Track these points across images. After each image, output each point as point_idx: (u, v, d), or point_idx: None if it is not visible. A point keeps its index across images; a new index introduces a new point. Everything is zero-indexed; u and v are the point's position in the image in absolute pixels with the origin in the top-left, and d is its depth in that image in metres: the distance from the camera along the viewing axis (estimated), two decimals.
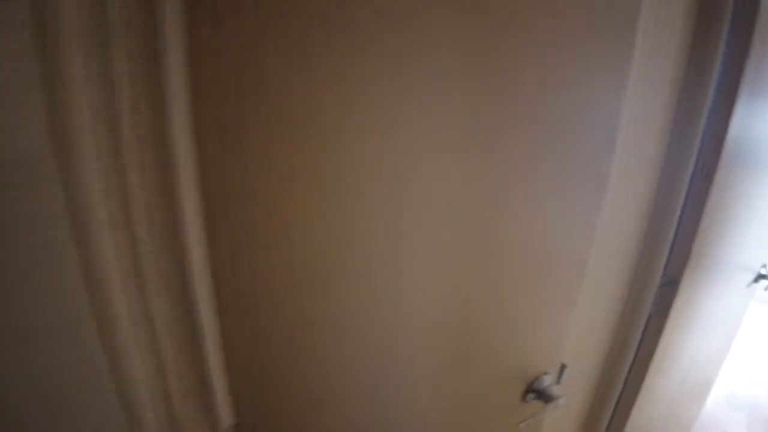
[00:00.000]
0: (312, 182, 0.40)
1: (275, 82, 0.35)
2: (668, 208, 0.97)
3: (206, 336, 0.42)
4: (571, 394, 1.05)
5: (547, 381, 0.85)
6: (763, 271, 1.47)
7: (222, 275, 0.41)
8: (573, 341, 0.96)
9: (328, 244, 0.43)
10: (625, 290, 1.01)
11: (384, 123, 0.42)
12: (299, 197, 0.40)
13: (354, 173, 0.42)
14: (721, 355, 1.59)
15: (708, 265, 1.10)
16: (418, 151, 0.45)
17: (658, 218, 0.97)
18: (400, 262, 0.49)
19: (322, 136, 0.39)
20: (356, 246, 0.45)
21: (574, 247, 0.72)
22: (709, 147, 0.94)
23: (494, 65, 0.48)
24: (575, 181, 0.66)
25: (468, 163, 0.50)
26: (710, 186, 0.96)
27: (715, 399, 2.41)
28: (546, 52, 0.52)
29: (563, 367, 0.86)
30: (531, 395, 0.83)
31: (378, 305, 0.50)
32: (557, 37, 0.52)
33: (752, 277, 1.45)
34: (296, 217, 0.41)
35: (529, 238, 0.64)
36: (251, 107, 0.35)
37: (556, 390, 0.85)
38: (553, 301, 0.76)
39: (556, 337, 0.84)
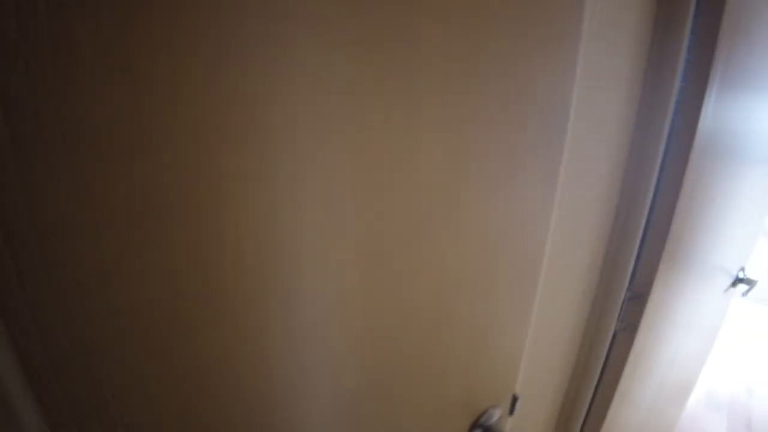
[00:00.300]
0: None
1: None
2: (633, 212, 0.87)
3: None
4: (529, 427, 0.95)
5: (497, 414, 0.75)
6: (741, 275, 1.39)
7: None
8: (530, 365, 0.86)
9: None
10: (588, 305, 0.91)
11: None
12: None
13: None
14: (700, 362, 1.52)
15: (681, 272, 1.01)
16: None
17: (621, 225, 0.88)
18: (295, 273, 0.38)
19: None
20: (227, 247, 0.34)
21: (525, 258, 0.62)
22: (678, 143, 0.85)
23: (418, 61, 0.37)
24: (520, 184, 0.55)
25: (398, 160, 0.39)
26: (680, 187, 0.87)
27: (695, 399, 2.36)
28: (477, 40, 0.41)
29: (515, 399, 0.76)
30: None
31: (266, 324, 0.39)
32: (489, 23, 0.42)
33: (730, 281, 1.38)
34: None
35: (470, 245, 0.53)
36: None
37: (508, 423, 0.75)
38: (503, 320, 0.66)
39: (508, 361, 0.74)
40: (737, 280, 1.39)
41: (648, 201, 0.87)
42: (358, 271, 0.41)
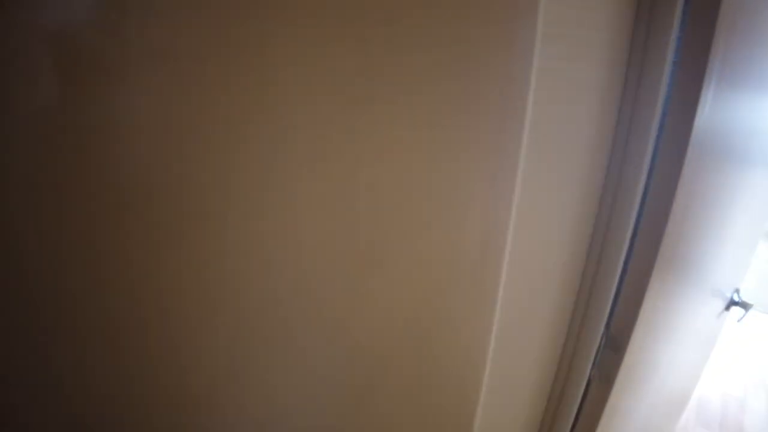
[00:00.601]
0: None
1: None
2: (612, 239, 0.73)
3: None
4: None
5: None
6: (736, 297, 1.25)
7: None
8: (487, 418, 0.71)
9: None
10: (557, 352, 0.77)
11: None
12: None
13: None
14: (688, 392, 1.39)
15: (666, 306, 0.86)
16: None
17: (597, 257, 0.73)
18: None
19: None
20: None
21: (473, 298, 0.47)
22: (668, 153, 0.69)
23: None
24: (462, 203, 0.40)
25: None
26: (670, 207, 0.72)
27: (685, 417, 2.24)
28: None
29: None
30: None
31: None
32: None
33: (723, 304, 1.24)
34: None
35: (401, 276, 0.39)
36: None
37: None
38: (450, 371, 0.51)
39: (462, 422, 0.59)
40: (731, 303, 1.25)
41: (629, 229, 0.72)
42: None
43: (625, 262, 0.74)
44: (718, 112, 0.70)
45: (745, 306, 1.23)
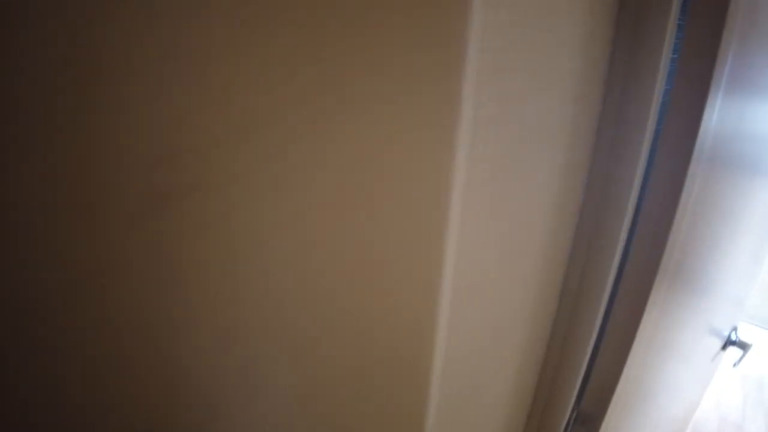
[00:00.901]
0: None
1: None
2: (587, 294, 0.61)
3: None
4: None
5: None
6: (734, 336, 1.13)
7: None
8: None
9: None
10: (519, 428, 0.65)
11: None
12: None
13: None
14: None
15: (652, 364, 0.75)
16: None
17: (569, 303, 0.61)
18: None
19: None
20: None
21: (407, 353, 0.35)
22: (661, 189, 0.57)
23: None
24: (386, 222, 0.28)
25: None
26: (661, 251, 0.60)
27: None
28: None
29: None
30: None
31: None
32: None
33: (720, 344, 1.12)
34: None
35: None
36: None
37: None
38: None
39: None
40: (728, 343, 1.13)
41: (610, 276, 0.60)
42: None
43: (606, 311, 0.63)
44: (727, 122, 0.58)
45: (743, 346, 1.11)
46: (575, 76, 0.43)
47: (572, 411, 0.63)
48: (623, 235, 0.55)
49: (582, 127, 0.49)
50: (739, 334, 1.13)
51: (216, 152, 0.19)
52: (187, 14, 0.17)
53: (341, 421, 0.32)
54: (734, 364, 1.08)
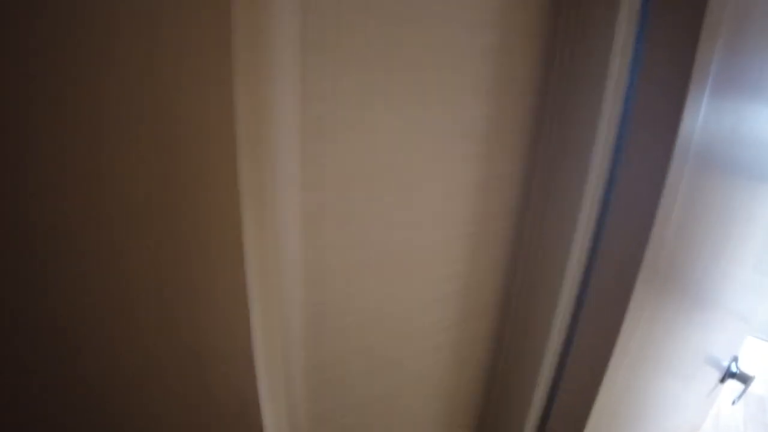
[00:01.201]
0: None
1: None
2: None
3: None
4: None
5: None
6: (734, 368, 1.01)
7: None
8: None
9: None
10: None
11: None
12: None
13: None
14: None
15: (636, 395, 0.63)
16: None
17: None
18: None
19: None
20: None
21: None
22: (635, 191, 0.46)
23: None
24: None
25: None
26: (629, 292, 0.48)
27: None
28: None
29: None
30: None
31: None
32: None
33: (718, 376, 0.99)
34: None
35: None
36: None
37: None
38: None
39: None
40: (728, 374, 1.01)
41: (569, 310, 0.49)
42: None
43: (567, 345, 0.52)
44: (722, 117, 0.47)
45: (744, 379, 0.99)
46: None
47: None
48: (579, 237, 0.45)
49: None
50: (740, 365, 1.00)
51: None
52: None
53: None
54: (733, 402, 0.96)
